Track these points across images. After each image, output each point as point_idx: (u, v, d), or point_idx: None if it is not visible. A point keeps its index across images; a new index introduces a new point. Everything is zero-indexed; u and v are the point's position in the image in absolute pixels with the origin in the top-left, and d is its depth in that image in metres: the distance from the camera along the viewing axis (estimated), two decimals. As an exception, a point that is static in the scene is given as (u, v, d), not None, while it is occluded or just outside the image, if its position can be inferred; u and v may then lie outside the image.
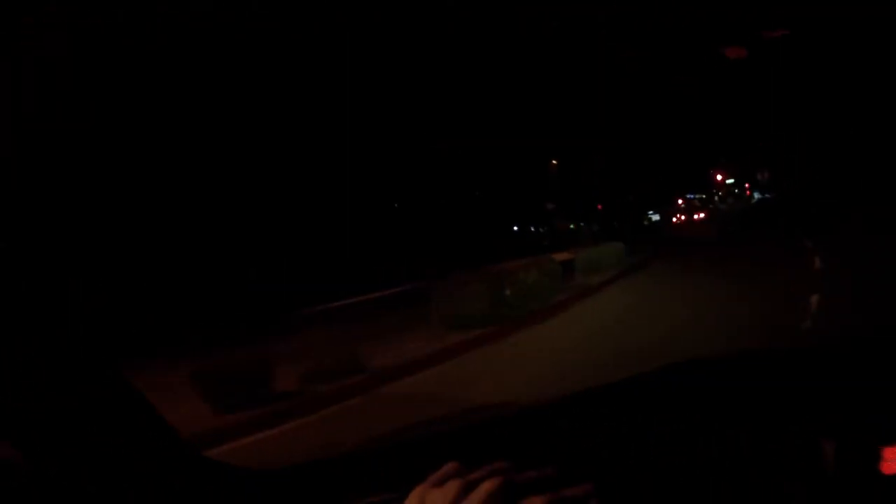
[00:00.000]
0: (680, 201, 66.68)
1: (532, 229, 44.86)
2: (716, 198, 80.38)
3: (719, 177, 76.53)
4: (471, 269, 11.12)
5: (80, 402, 0.85)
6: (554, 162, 34.47)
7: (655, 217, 52.74)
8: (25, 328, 0.82)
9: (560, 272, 11.06)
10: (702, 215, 61.40)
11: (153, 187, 16.72)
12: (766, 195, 65.44)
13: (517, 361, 6.72)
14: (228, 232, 19.67)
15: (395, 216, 30.18)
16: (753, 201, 71.31)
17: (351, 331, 9.23)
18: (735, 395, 0.98)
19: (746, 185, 79.44)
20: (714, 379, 1.11)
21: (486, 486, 0.64)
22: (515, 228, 44.01)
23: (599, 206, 39.28)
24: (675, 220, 58.17)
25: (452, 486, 0.65)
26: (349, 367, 6.95)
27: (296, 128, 21.23)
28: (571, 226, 40.74)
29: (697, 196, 75.43)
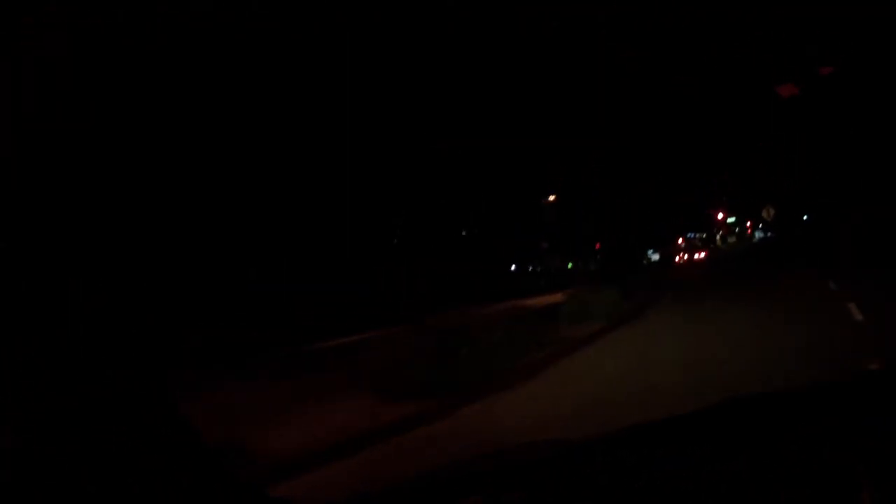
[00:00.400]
0: (680, 240, 65.50)
1: (530, 269, 43.52)
2: (717, 237, 79.41)
3: (720, 215, 75.59)
4: (428, 318, 9.35)
5: (82, 402, 0.82)
6: (551, 198, 33.04)
7: (655, 256, 50.94)
8: (25, 328, 0.81)
9: (535, 322, 9.23)
10: (702, 255, 60.14)
11: (152, 188, 15.79)
12: (769, 234, 64.18)
13: (455, 452, 4.90)
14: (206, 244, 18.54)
15: (391, 252, 28.78)
16: (755, 240, 70.31)
17: (260, 396, 7.39)
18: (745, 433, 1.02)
19: (748, 224, 78.62)
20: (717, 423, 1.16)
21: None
22: (513, 268, 42.63)
23: (598, 245, 37.71)
24: (677, 259, 56.61)
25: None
26: (231, 454, 5.13)
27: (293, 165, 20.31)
28: (570, 265, 39.15)
29: (698, 235, 74.47)
